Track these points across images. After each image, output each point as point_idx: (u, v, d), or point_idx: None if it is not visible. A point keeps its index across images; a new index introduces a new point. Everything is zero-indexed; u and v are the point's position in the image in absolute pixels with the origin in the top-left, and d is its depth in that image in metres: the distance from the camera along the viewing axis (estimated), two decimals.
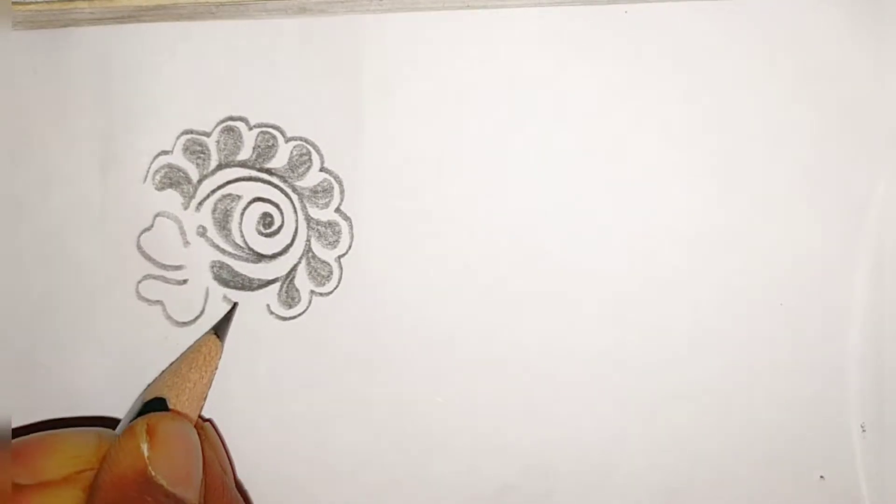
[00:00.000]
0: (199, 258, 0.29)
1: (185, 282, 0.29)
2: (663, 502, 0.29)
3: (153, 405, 0.26)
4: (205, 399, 0.27)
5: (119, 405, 0.29)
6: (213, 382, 0.29)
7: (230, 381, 0.29)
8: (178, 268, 0.29)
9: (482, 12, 0.29)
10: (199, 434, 0.26)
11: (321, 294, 0.29)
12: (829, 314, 0.29)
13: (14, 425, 0.28)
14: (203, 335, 0.28)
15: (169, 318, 0.29)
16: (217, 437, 0.28)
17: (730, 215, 0.29)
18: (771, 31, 0.28)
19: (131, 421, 0.25)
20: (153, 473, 0.23)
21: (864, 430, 0.28)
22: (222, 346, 0.28)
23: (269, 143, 0.29)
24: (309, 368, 0.29)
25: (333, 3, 0.29)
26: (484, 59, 0.29)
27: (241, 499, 0.26)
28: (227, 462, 0.28)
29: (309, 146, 0.29)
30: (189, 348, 0.28)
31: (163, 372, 0.27)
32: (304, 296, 0.29)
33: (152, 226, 0.29)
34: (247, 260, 0.29)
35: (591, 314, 0.29)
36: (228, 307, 0.29)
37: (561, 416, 0.29)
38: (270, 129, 0.29)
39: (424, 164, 0.29)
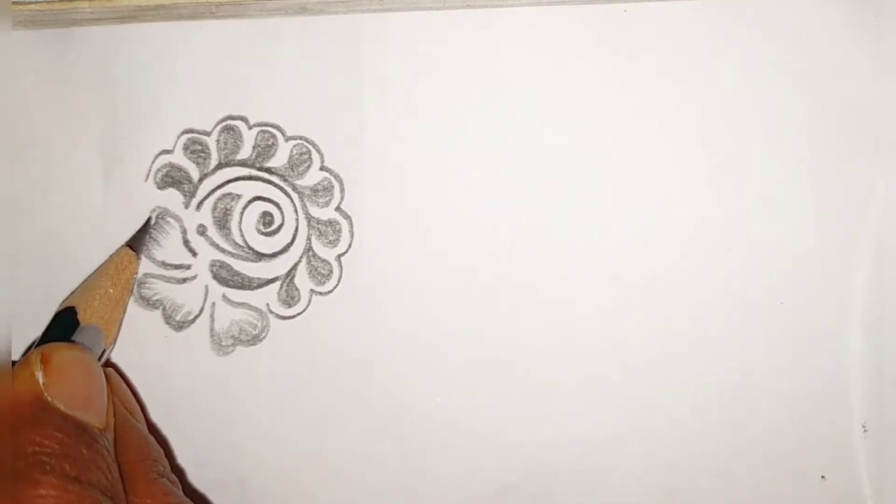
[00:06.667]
0: (199, 257, 0.29)
1: (184, 281, 0.29)
2: (663, 502, 0.29)
3: (63, 315, 0.26)
4: (122, 310, 0.28)
5: None
6: (211, 382, 0.29)
7: (229, 380, 0.29)
8: (177, 267, 0.29)
9: (482, 11, 0.29)
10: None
11: (321, 293, 0.29)
12: (829, 314, 0.29)
13: None
14: (118, 248, 0.29)
15: (169, 317, 0.29)
16: (120, 382, 0.28)
17: (730, 215, 0.29)
18: (771, 31, 0.29)
19: (44, 334, 0.26)
20: (48, 398, 0.23)
21: (865, 430, 0.28)
22: (138, 258, 0.29)
23: (269, 143, 0.29)
24: (308, 368, 0.29)
25: (333, 2, 0.29)
26: (484, 58, 0.29)
27: (151, 442, 0.26)
28: (135, 405, 0.28)
29: (309, 145, 0.29)
30: (104, 262, 0.29)
31: (79, 285, 0.28)
32: (304, 295, 0.29)
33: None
34: (246, 259, 0.29)
35: (591, 314, 0.29)
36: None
37: (561, 416, 0.29)
38: (270, 129, 0.29)
39: (424, 162, 0.29)
